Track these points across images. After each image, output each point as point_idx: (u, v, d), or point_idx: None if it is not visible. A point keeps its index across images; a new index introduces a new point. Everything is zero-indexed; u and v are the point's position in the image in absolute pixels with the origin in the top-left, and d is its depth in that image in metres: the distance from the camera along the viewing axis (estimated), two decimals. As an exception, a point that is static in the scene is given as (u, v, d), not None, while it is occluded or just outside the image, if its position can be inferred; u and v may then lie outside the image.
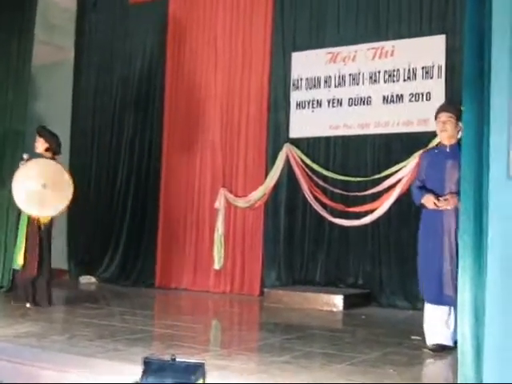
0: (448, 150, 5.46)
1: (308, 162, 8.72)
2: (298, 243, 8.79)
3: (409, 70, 8.25)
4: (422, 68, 8.16)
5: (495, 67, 3.65)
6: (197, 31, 9.63)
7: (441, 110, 5.58)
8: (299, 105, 8.92)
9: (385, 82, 8.40)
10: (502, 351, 3.56)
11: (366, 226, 8.28)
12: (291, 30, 9.03)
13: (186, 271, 9.39)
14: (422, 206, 5.49)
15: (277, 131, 9.06)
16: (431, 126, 7.37)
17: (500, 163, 3.59)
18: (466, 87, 3.83)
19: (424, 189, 5.50)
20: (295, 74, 8.98)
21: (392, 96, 8.33)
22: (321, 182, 8.61)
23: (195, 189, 9.48)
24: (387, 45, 8.37)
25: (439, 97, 7.86)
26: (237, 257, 9.09)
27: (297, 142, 8.88)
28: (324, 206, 8.58)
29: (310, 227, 8.74)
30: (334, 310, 7.60)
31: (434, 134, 7.34)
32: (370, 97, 8.47)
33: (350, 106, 8.59)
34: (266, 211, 9.02)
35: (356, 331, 6.46)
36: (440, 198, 5.34)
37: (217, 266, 9.07)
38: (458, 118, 5.39)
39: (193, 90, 9.57)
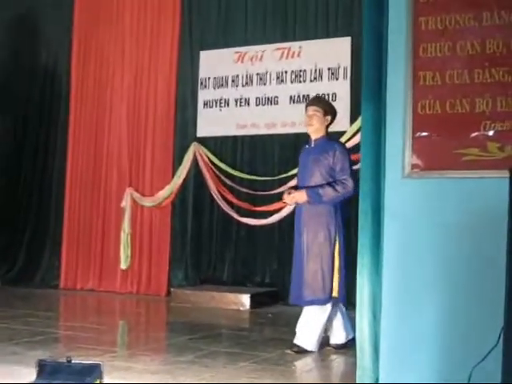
0: (313, 144, 5.45)
1: (215, 161, 8.71)
2: (205, 242, 8.76)
3: (315, 70, 8.34)
4: (328, 69, 8.26)
5: (391, 71, 3.75)
6: (104, 27, 9.46)
7: (308, 103, 5.56)
8: (207, 104, 8.92)
9: (292, 82, 8.48)
10: (396, 346, 3.67)
11: (272, 225, 8.31)
12: (199, 28, 8.99)
13: (91, 272, 9.25)
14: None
15: (184, 130, 9.00)
16: (338, 127, 7.33)
17: (395, 164, 3.69)
18: (364, 89, 3.90)
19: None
20: (203, 72, 8.95)
21: (299, 96, 8.40)
22: (228, 182, 8.61)
23: (101, 188, 9.33)
24: (294, 45, 8.44)
25: (344, 97, 8.01)
26: (143, 257, 8.97)
27: (204, 141, 8.86)
28: (231, 205, 8.59)
29: (217, 226, 8.73)
30: (242, 309, 7.61)
31: (341, 134, 7.54)
32: (277, 97, 8.53)
33: (257, 105, 8.64)
34: (174, 210, 8.95)
35: (262, 330, 6.50)
36: (290, 192, 5.34)
37: (123, 266, 8.94)
38: (327, 112, 5.41)
39: (99, 87, 9.45)
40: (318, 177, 5.27)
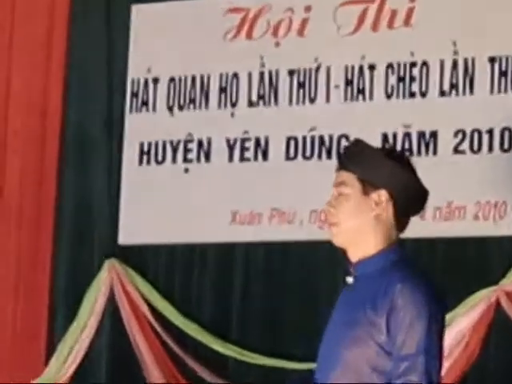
0: (351, 278, 4.22)
1: (171, 314, 7.04)
2: None
3: (454, 63, 6.63)
4: (491, 60, 6.59)
5: None
6: None
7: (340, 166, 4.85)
8: (147, 152, 7.25)
9: (389, 95, 6.72)
10: None
11: None
12: None
13: None
14: None
15: (85, 226, 7.45)
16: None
17: None
18: None
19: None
20: (141, 65, 7.34)
21: (408, 135, 6.63)
22: (206, 372, 6.76)
23: None
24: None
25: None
26: None
27: (137, 256, 7.32)
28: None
29: None
30: None
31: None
32: (345, 135, 6.69)
33: (290, 159, 6.91)
34: None
35: None
36: None
37: None
38: (373, 185, 3.92)
39: None
40: (357, 362, 3.88)
